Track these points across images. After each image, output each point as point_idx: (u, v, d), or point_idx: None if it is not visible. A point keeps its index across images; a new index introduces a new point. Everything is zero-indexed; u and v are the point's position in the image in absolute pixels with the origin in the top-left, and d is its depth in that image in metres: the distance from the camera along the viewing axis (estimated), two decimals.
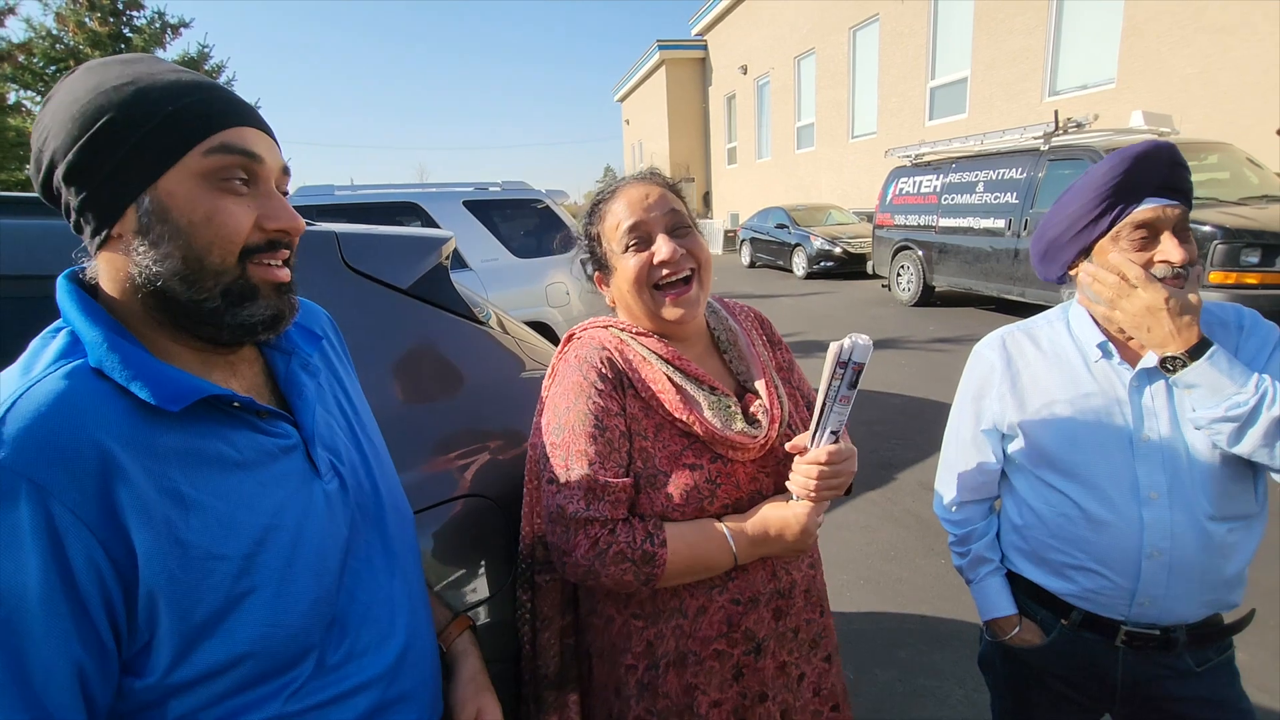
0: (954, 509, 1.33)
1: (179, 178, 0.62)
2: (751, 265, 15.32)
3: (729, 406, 1.02)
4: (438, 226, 4.65)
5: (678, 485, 0.97)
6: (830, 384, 0.93)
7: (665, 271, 1.00)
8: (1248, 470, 1.08)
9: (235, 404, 0.66)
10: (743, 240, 15.77)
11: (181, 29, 15.45)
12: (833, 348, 0.92)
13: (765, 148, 20.27)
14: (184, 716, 0.59)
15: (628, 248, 1.02)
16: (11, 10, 12.75)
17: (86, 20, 13.94)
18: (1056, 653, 1.22)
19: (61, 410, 0.56)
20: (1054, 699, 1.28)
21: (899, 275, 9.37)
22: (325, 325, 0.88)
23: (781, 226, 13.74)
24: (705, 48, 24.10)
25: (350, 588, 0.72)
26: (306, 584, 0.66)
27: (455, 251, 4.73)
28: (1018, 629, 1.25)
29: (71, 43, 13.98)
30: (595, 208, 1.08)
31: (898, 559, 3.00)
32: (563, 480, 0.95)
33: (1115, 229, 1.08)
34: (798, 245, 12.98)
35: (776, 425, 1.04)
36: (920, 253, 8.79)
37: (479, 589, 1.14)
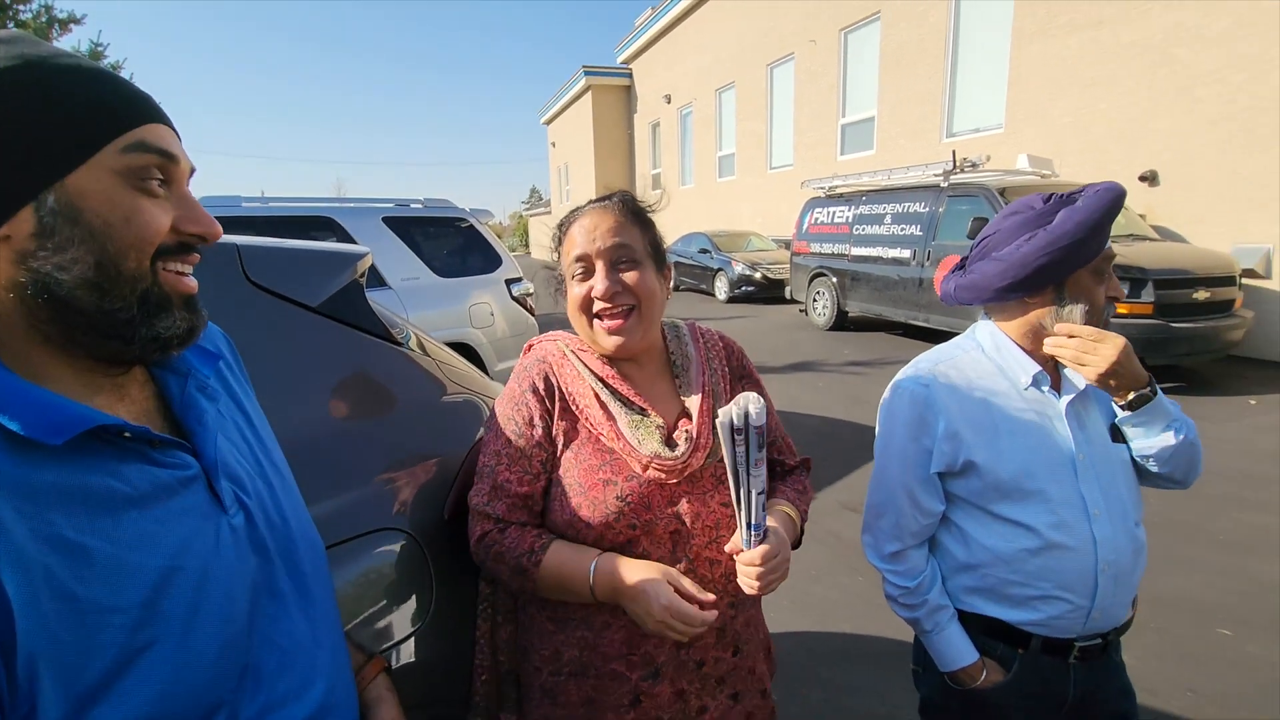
0: (896, 559, 1.26)
1: (93, 175, 0.56)
2: (676, 288, 15.56)
3: (648, 427, 1.04)
4: (354, 243, 4.45)
5: (588, 498, 1.00)
6: (735, 456, 0.90)
7: (600, 306, 1.04)
8: (1134, 472, 1.22)
9: (126, 434, 0.58)
10: None
11: (72, 24, 14.27)
12: (722, 417, 0.89)
13: (689, 175, 20.79)
14: None
15: (574, 276, 1.07)
16: None
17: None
18: (1016, 684, 1.20)
19: None
20: None
21: (815, 300, 9.76)
22: (220, 344, 0.81)
23: (704, 251, 14.06)
24: (631, 75, 24.58)
25: (263, 631, 0.65)
26: (213, 631, 0.59)
27: (373, 269, 4.54)
28: (985, 673, 1.21)
29: None
30: (560, 229, 1.13)
31: (821, 579, 3.06)
32: (480, 473, 1.05)
33: (1095, 261, 1.13)
34: (720, 270, 13.32)
35: (702, 452, 1.04)
36: (834, 279, 9.20)
37: (395, 629, 1.05)
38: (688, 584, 0.95)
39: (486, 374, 2.49)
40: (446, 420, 1.33)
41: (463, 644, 1.12)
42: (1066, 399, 1.18)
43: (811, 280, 9.77)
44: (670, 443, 1.04)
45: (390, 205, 4.92)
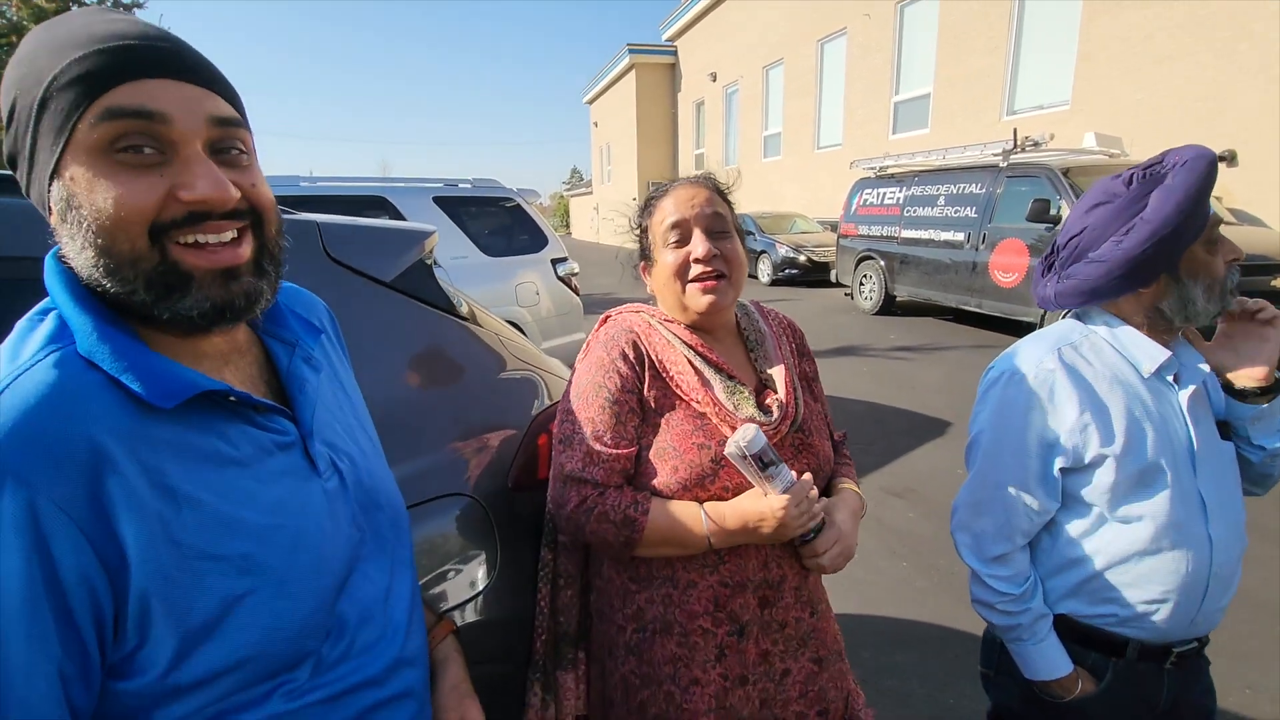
0: (1001, 563, 1.17)
1: (75, 157, 0.54)
2: None
3: (742, 392, 1.08)
4: (405, 221, 4.57)
5: (684, 460, 1.02)
6: (753, 473, 0.98)
7: (699, 269, 1.06)
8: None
9: (231, 398, 0.62)
10: None
11: (135, 8, 14.84)
12: (730, 444, 0.97)
13: (733, 155, 20.49)
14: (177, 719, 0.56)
15: (669, 243, 1.09)
16: None
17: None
18: (1110, 695, 1.14)
19: (51, 401, 0.52)
20: None
21: (861, 284, 9.57)
22: (324, 318, 0.85)
23: (748, 233, 13.86)
24: (675, 53, 24.25)
25: (351, 587, 0.69)
26: (307, 585, 0.63)
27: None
28: (1081, 684, 1.14)
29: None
30: (648, 203, 1.16)
31: (861, 562, 3.05)
32: (569, 441, 1.05)
33: (1206, 230, 1.06)
34: (763, 252, 13.16)
35: (789, 420, 1.09)
36: (882, 263, 9.00)
37: (463, 589, 1.12)
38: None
39: None
40: (508, 392, 1.38)
41: (524, 606, 1.18)
42: (1189, 390, 1.10)
43: (859, 263, 9.58)
44: (764, 409, 1.08)
45: (440, 185, 5.01)
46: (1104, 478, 1.09)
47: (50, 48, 0.55)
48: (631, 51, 24.94)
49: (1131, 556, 1.09)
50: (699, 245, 1.06)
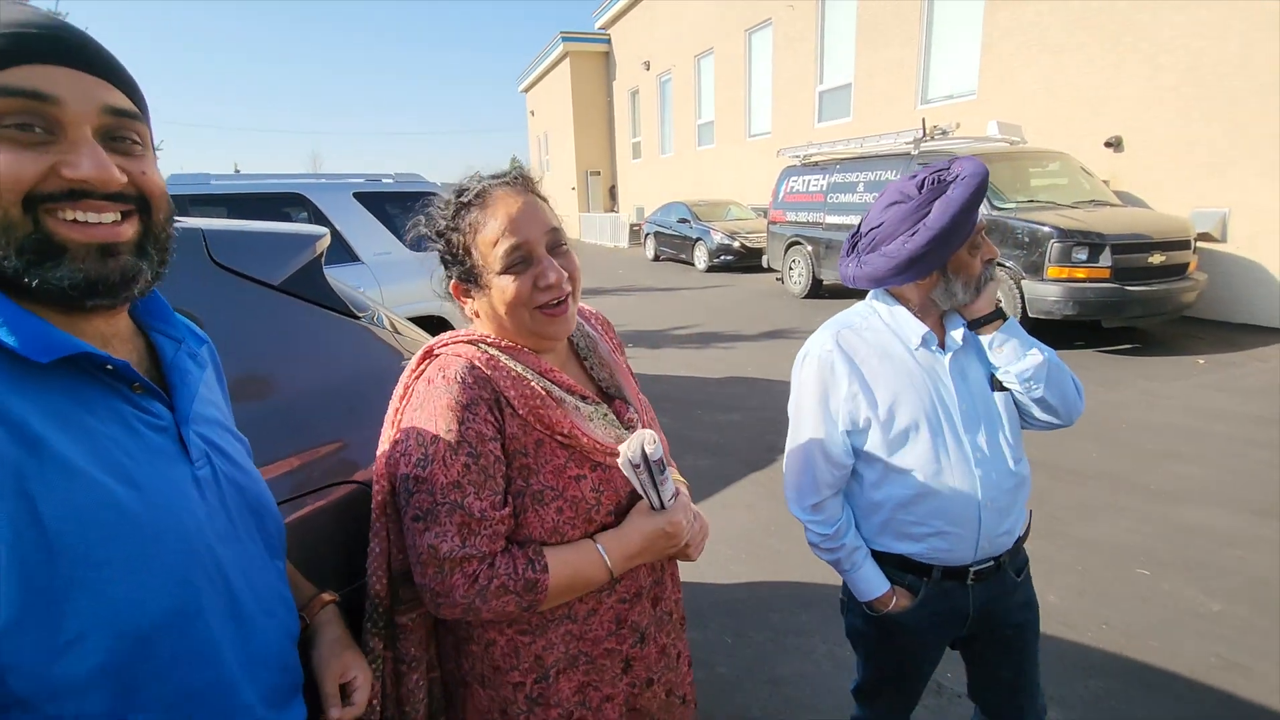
0: (816, 510, 1.40)
1: None
2: (656, 259, 15.62)
3: (605, 414, 1.05)
4: (325, 218, 4.50)
5: (566, 498, 0.96)
6: (641, 483, 0.98)
7: (548, 295, 0.97)
8: (1016, 415, 1.40)
9: (109, 367, 0.63)
10: (647, 234, 16.04)
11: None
12: (623, 454, 0.96)
13: (668, 143, 20.64)
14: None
15: (508, 268, 0.95)
16: None
17: None
18: (925, 607, 1.38)
19: None
20: (920, 645, 1.45)
21: (791, 269, 9.89)
22: (206, 338, 0.87)
23: (684, 221, 14.10)
24: (609, 41, 24.16)
25: (230, 571, 0.71)
26: (167, 564, 0.63)
27: (345, 244, 4.57)
28: (895, 599, 1.38)
29: None
30: (462, 212, 0.99)
31: (777, 533, 3.25)
32: (432, 517, 0.89)
33: (973, 235, 1.29)
34: (699, 240, 13.38)
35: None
36: (809, 248, 9.33)
37: (349, 572, 1.19)
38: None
39: None
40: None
41: None
42: (950, 354, 1.34)
43: (787, 249, 9.88)
44: (626, 424, 1.07)
45: (361, 180, 4.94)
46: (875, 436, 1.33)
47: None
48: (565, 39, 24.72)
49: (911, 499, 1.33)
50: (550, 272, 0.96)
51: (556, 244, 0.99)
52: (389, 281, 4.52)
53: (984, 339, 1.34)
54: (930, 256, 1.26)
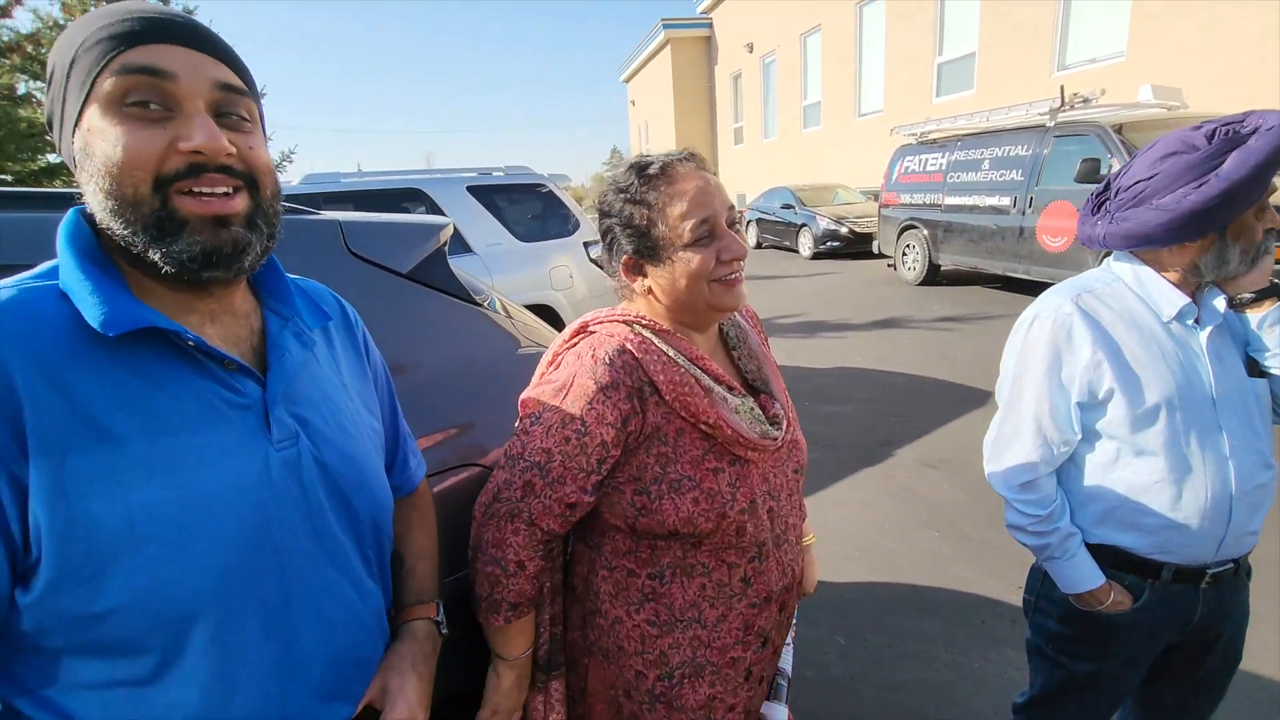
0: (1028, 489, 1.26)
1: (93, 110, 0.60)
2: (758, 246, 15.27)
3: (751, 408, 1.02)
4: (442, 211, 4.72)
5: (703, 489, 0.95)
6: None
7: (729, 268, 0.97)
8: (1269, 406, 1.25)
9: (189, 343, 0.64)
10: (749, 221, 15.71)
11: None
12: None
13: (772, 127, 20.10)
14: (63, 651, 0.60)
15: (696, 240, 0.95)
16: (19, 1, 12.78)
17: (92, 8, 13.92)
18: (1146, 611, 1.23)
19: None
20: (1130, 653, 1.28)
21: (904, 254, 9.35)
22: (334, 308, 0.88)
23: (788, 207, 13.68)
24: (710, 26, 23.82)
25: (293, 568, 0.69)
26: (214, 547, 0.63)
27: (458, 236, 4.79)
28: (1113, 596, 1.23)
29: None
30: (647, 188, 0.97)
31: (891, 533, 3.08)
32: (512, 463, 0.96)
33: (1260, 201, 1.13)
34: (804, 225, 12.94)
35: (792, 428, 1.07)
36: (925, 231, 8.76)
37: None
38: None
39: None
40: (521, 369, 1.48)
41: None
42: (1207, 330, 1.18)
43: (901, 233, 9.34)
44: (773, 420, 1.04)
45: (474, 174, 5.14)
46: (1117, 411, 1.17)
47: (84, 23, 0.63)
48: (666, 26, 24.61)
49: (1150, 486, 1.17)
50: (734, 245, 0.97)
51: (733, 221, 1.00)
52: (499, 272, 4.69)
53: (1252, 317, 1.18)
54: (1216, 213, 1.08)
